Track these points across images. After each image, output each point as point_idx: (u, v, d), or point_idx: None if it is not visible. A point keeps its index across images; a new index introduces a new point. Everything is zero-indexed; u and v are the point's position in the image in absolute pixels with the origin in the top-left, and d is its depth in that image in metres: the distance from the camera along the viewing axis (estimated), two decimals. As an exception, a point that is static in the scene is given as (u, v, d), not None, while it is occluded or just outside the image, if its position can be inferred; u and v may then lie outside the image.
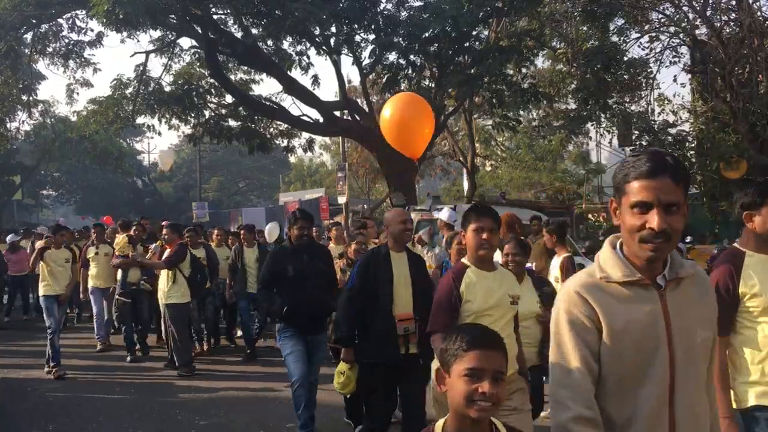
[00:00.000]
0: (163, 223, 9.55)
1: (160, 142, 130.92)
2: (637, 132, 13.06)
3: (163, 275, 8.37)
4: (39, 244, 11.39)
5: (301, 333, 5.44)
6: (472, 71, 12.63)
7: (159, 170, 48.12)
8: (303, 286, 5.37)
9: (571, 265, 5.66)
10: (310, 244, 5.66)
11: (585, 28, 14.00)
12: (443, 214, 8.09)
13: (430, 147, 20.41)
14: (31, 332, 11.80)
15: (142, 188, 48.45)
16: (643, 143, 13.06)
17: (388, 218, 4.81)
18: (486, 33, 15.11)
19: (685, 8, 13.84)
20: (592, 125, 15.00)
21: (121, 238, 10.43)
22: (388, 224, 4.75)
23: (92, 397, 7.32)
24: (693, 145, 14.91)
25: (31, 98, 19.37)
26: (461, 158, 21.59)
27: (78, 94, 17.68)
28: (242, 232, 10.02)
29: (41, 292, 8.66)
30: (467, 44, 13.37)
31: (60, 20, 15.15)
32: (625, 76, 13.62)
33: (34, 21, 14.30)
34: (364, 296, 4.64)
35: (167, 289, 8.27)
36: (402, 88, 14.23)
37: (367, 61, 14.37)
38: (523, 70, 15.12)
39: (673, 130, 13.79)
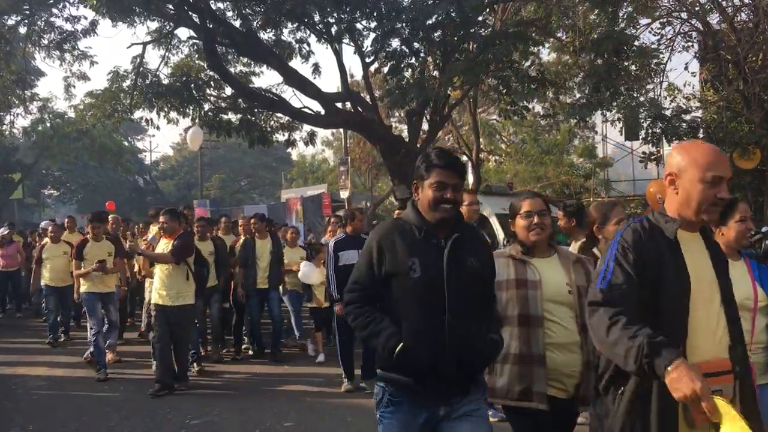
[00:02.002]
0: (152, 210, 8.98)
1: (162, 140, 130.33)
2: (650, 119, 12.62)
3: (169, 272, 6.93)
4: (45, 241, 11.06)
5: (427, 400, 2.73)
6: (479, 58, 12.23)
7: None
8: (439, 304, 2.67)
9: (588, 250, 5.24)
10: (456, 224, 2.84)
11: (593, 17, 13.61)
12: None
13: (434, 141, 20.11)
14: (21, 330, 11.46)
15: (144, 186, 48.26)
16: (656, 131, 12.64)
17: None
18: (492, 20, 14.71)
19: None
20: (601, 113, 14.59)
21: (157, 230, 9.62)
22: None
23: (78, 395, 6.93)
24: (704, 135, 14.52)
25: (26, 93, 19.02)
26: (466, 151, 21.20)
27: (75, 87, 17.31)
28: (252, 221, 8.77)
29: (82, 288, 7.79)
30: (473, 30, 12.96)
31: (54, 10, 14.79)
32: (633, 66, 13.23)
33: (26, 9, 13.92)
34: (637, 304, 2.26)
35: (179, 288, 6.93)
36: (406, 76, 13.82)
37: (369, 50, 13.99)
38: (530, 59, 14.68)
39: (687, 117, 13.39)
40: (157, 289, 7.03)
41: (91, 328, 7.55)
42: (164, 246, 7.11)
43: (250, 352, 8.97)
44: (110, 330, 8.14)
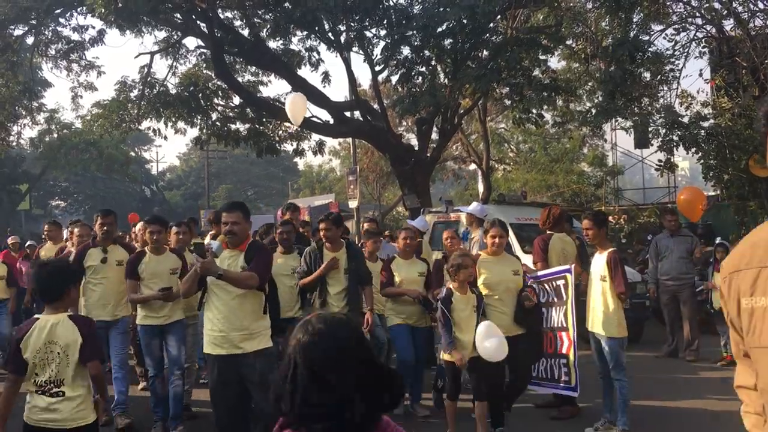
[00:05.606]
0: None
1: (168, 151, 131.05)
2: (666, 127, 12.42)
3: (239, 301, 4.39)
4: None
5: None
6: (490, 65, 12.09)
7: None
8: None
9: (621, 259, 5.05)
10: None
11: (604, 24, 13.47)
12: (473, 208, 7.57)
13: (442, 150, 19.98)
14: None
15: (151, 197, 48.33)
16: (674, 138, 12.45)
17: None
18: (503, 27, 14.58)
19: (711, -2, 13.26)
20: (614, 120, 14.42)
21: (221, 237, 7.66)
22: None
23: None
24: (715, 144, 14.32)
25: (33, 104, 19.00)
26: (476, 159, 21.05)
27: (82, 97, 17.24)
28: (322, 224, 5.82)
29: (138, 320, 5.79)
30: (484, 38, 12.82)
31: (61, 20, 14.75)
32: (646, 74, 13.07)
33: (33, 19, 13.87)
34: None
35: (252, 326, 4.42)
36: (417, 83, 13.69)
37: (379, 58, 13.87)
38: (542, 66, 14.53)
39: (705, 124, 13.19)
40: (214, 330, 4.42)
41: (147, 369, 5.85)
42: (229, 261, 4.45)
43: None
44: (172, 369, 5.67)
